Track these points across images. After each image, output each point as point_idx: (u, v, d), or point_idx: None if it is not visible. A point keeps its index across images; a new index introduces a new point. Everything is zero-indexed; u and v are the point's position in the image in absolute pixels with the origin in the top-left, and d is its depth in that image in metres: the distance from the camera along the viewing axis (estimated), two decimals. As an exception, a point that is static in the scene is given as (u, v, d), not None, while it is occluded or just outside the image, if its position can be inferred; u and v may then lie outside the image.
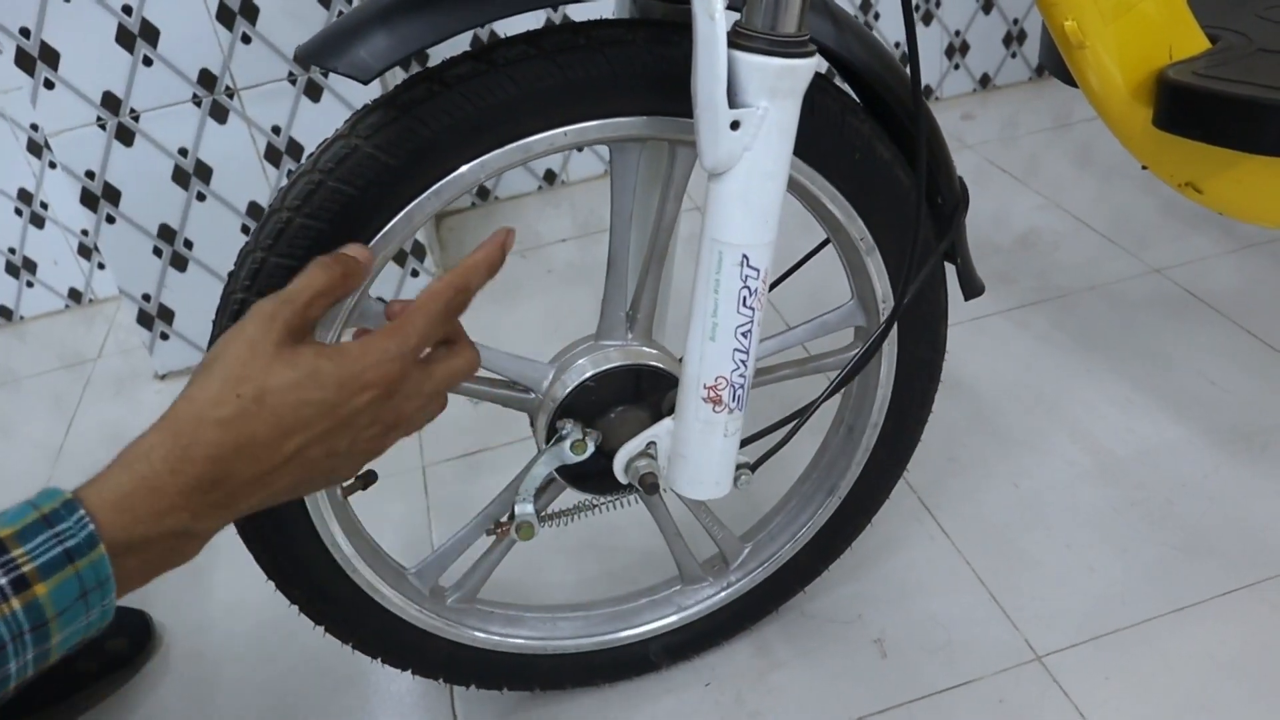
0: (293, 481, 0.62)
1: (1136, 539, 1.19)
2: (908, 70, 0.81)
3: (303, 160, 0.75)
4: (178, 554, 0.59)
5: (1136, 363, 1.47)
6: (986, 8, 2.27)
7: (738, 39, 0.66)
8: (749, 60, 0.66)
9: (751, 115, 0.67)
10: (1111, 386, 1.43)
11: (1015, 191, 1.97)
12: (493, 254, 0.72)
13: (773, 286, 0.89)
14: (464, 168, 0.75)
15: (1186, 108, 0.95)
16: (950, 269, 0.95)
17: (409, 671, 1.00)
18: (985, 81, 2.37)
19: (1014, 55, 2.35)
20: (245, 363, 0.60)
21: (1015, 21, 2.31)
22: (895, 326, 0.93)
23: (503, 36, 0.74)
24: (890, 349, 0.95)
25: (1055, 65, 1.06)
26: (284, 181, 1.63)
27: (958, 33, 2.28)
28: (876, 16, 2.20)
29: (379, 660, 0.98)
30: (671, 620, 1.06)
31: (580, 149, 2.14)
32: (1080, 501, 1.25)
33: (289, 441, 0.60)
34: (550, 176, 2.20)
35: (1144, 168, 1.06)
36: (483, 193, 2.19)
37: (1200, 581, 1.13)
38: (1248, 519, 1.20)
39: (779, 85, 0.67)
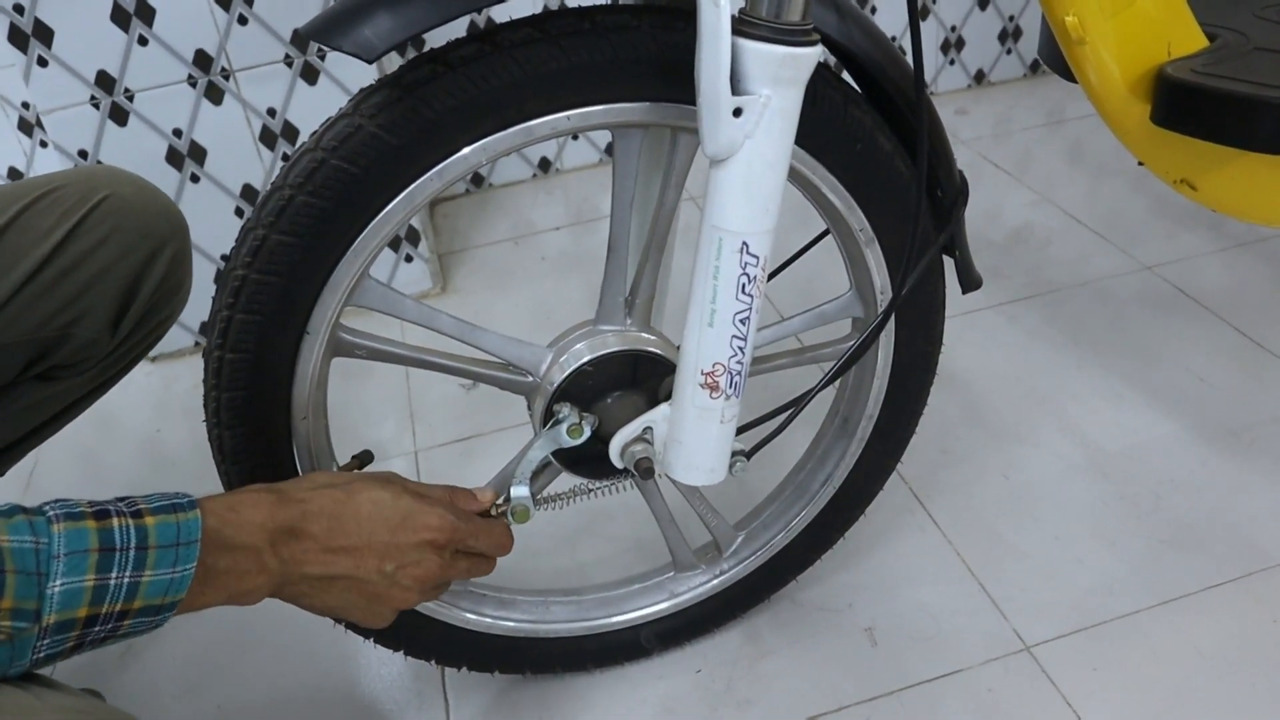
0: (345, 580, 0.74)
1: (1125, 532, 1.20)
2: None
3: (305, 139, 0.75)
4: (248, 579, 0.69)
5: (1126, 358, 1.48)
6: (983, 4, 2.27)
7: (742, 26, 0.66)
8: (752, 48, 0.66)
9: (754, 103, 0.68)
10: (1101, 381, 1.44)
11: (1008, 187, 1.97)
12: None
13: (770, 277, 0.90)
14: (466, 149, 0.75)
15: (1184, 104, 0.96)
16: (948, 262, 0.95)
17: (401, 653, 1.00)
18: (980, 77, 2.38)
19: (1009, 52, 2.36)
20: (354, 474, 0.78)
21: (1011, 18, 2.31)
22: (893, 318, 0.93)
23: (505, 21, 0.74)
24: (887, 340, 0.95)
25: (1054, 60, 1.07)
26: (279, 164, 1.63)
27: (953, 28, 2.29)
28: (874, 10, 2.20)
29: (372, 641, 0.98)
30: (664, 606, 1.06)
31: (576, 136, 2.14)
32: (1070, 494, 1.26)
33: (356, 533, 0.74)
34: (545, 164, 2.20)
35: (1140, 164, 1.07)
36: (477, 179, 2.18)
37: (1187, 575, 1.14)
38: (1234, 514, 1.21)
39: (782, 73, 0.67)
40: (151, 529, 0.63)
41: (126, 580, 0.62)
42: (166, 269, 0.97)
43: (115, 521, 0.62)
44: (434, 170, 0.75)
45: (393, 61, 1.77)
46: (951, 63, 2.34)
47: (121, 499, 0.64)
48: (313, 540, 0.72)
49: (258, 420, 0.80)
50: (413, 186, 0.75)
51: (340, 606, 0.76)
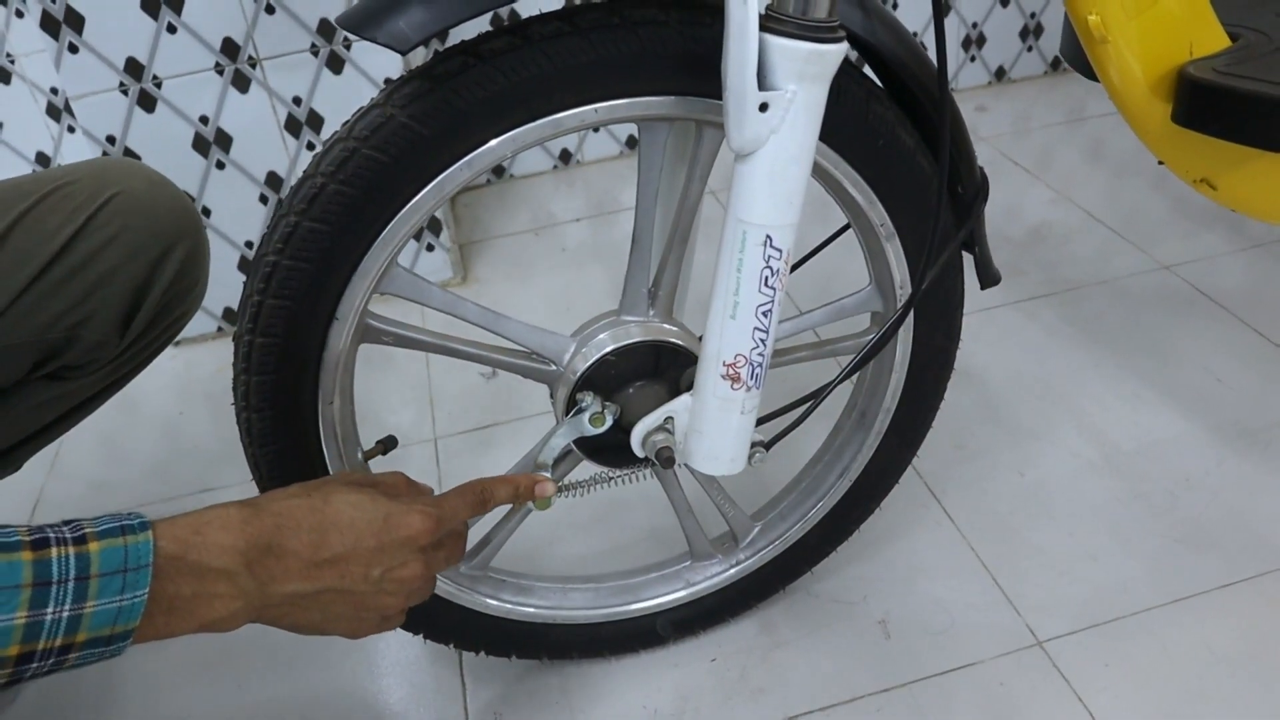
0: (330, 594, 0.70)
1: (1139, 530, 1.21)
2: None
3: (330, 128, 0.77)
4: (219, 604, 0.64)
5: (1143, 357, 1.48)
6: (1004, 1, 2.27)
7: (769, 22, 0.67)
8: (779, 44, 0.67)
9: (780, 98, 0.69)
10: (1118, 380, 1.44)
11: (1027, 184, 1.98)
12: (524, 489, 0.84)
13: (790, 271, 0.91)
14: (495, 141, 0.76)
15: (1205, 104, 0.96)
16: (967, 258, 0.96)
17: (420, 636, 1.02)
18: (1000, 74, 2.38)
19: (1030, 49, 2.36)
20: (325, 481, 0.75)
21: (1032, 15, 2.31)
22: (912, 312, 0.94)
23: (535, 14, 0.75)
24: (906, 335, 0.96)
25: (1075, 58, 1.07)
26: (304, 152, 1.65)
27: (975, 24, 2.29)
28: (895, 6, 2.20)
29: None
30: (680, 595, 1.08)
31: (597, 129, 2.15)
32: (1084, 492, 1.27)
33: (340, 542, 0.69)
34: (565, 156, 2.21)
35: (1160, 163, 1.07)
36: (498, 170, 2.20)
37: (1200, 574, 1.15)
38: (1249, 514, 1.21)
39: (808, 69, 0.68)
40: (95, 555, 0.58)
41: (66, 614, 0.57)
42: (178, 269, 0.95)
43: (54, 551, 0.57)
44: (463, 160, 0.76)
45: (417, 56, 1.78)
46: (972, 59, 2.34)
47: (68, 522, 0.60)
48: (295, 556, 0.67)
49: (286, 404, 0.82)
50: (442, 176, 0.76)
51: (323, 621, 0.72)
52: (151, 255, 0.93)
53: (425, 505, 0.75)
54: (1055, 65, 2.40)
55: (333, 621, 0.72)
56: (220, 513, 0.66)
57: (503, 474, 0.86)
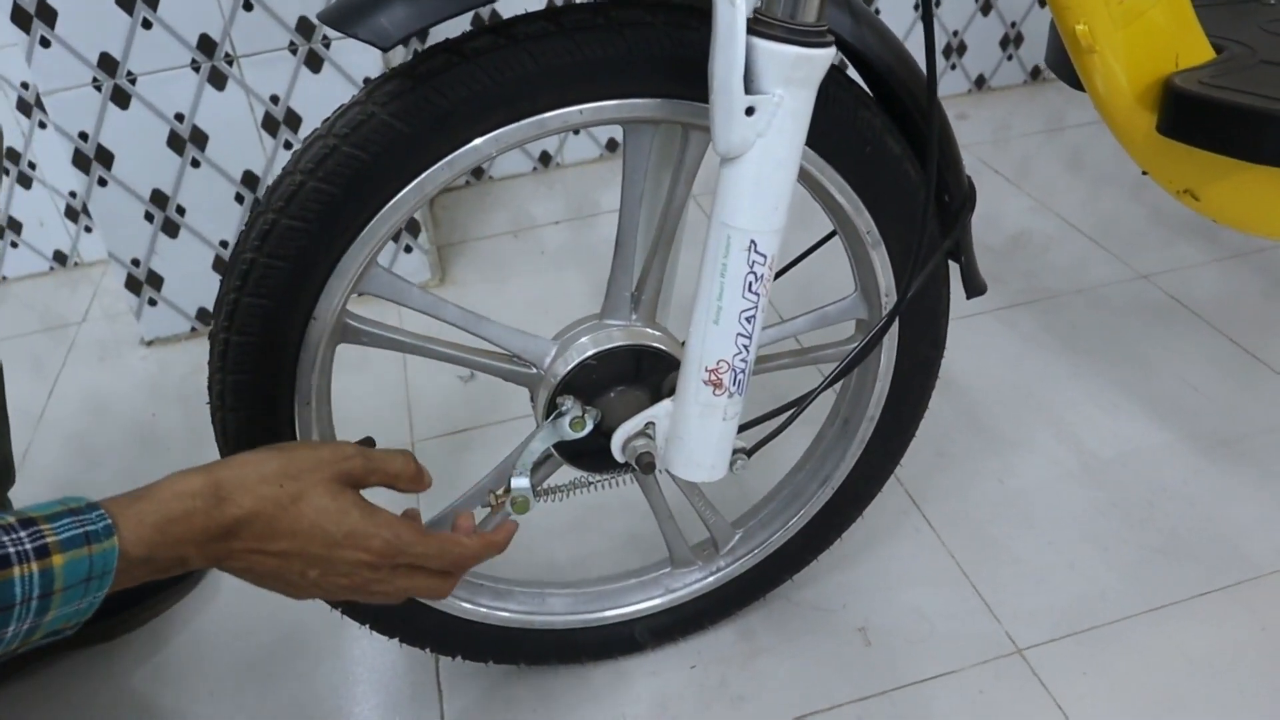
0: (266, 571, 0.71)
1: (1117, 539, 1.21)
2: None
3: (308, 127, 0.75)
4: (166, 574, 0.66)
5: (1121, 366, 1.49)
6: (985, 9, 2.28)
7: (757, 26, 0.67)
8: (766, 47, 0.66)
9: (766, 102, 0.68)
10: (1096, 389, 1.45)
11: (1007, 193, 1.98)
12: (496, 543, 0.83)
13: (775, 277, 0.90)
14: (478, 140, 0.75)
15: (1190, 115, 0.97)
16: (953, 267, 0.96)
17: (397, 640, 1.00)
18: (980, 82, 2.38)
19: (1010, 58, 2.37)
20: (306, 470, 0.70)
21: (1013, 24, 2.32)
22: (897, 321, 0.94)
23: (520, 13, 0.74)
24: (891, 343, 0.96)
25: (1061, 67, 1.07)
26: (281, 151, 1.63)
27: (955, 33, 2.30)
28: (877, 11, 2.20)
29: (368, 627, 0.98)
30: (659, 602, 1.07)
31: (577, 131, 2.14)
32: (1063, 500, 1.27)
33: (290, 542, 0.69)
34: (545, 158, 2.19)
35: (1144, 173, 1.07)
36: (477, 172, 2.18)
37: (1178, 582, 1.15)
38: (1225, 523, 1.22)
39: (795, 74, 0.68)
40: (59, 570, 0.56)
41: (26, 627, 0.56)
42: None
43: (16, 571, 0.55)
44: (445, 160, 0.75)
45: (396, 55, 1.77)
46: (953, 67, 2.34)
47: (23, 520, 0.57)
48: (242, 541, 0.68)
49: (262, 404, 0.80)
50: (423, 176, 0.75)
51: (255, 581, 0.73)
52: None
53: (398, 533, 0.74)
54: (1035, 74, 2.41)
55: (264, 584, 0.73)
56: (186, 507, 0.65)
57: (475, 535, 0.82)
